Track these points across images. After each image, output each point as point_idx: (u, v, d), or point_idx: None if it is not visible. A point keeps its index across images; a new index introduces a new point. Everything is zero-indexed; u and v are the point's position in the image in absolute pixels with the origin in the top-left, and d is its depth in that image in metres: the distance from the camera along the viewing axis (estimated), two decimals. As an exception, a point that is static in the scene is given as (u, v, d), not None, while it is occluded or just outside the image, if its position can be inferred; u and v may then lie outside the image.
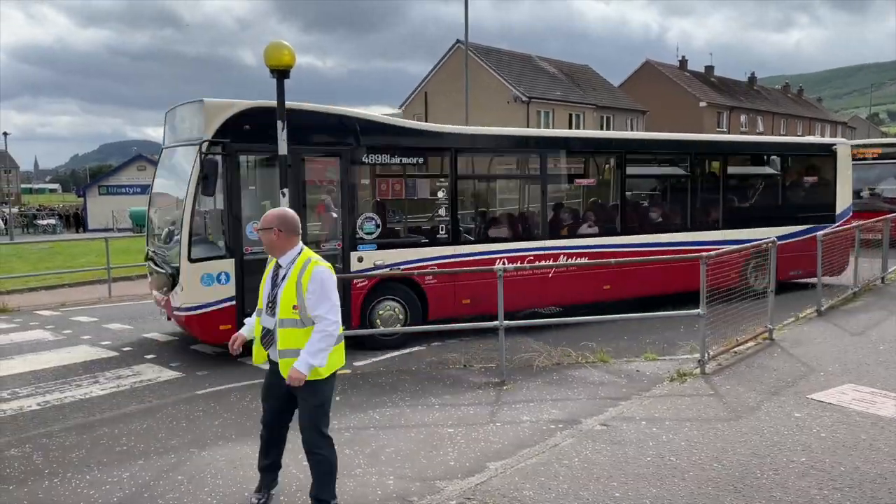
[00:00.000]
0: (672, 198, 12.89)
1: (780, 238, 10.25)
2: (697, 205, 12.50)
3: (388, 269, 9.42)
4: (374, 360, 8.89)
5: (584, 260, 10.91)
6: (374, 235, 9.40)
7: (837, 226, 13.20)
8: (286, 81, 7.60)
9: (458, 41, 41.02)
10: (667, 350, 8.71)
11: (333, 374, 4.45)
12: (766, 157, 13.63)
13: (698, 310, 7.63)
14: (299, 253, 4.35)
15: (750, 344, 8.48)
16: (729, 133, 53.38)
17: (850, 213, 13.90)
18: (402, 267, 9.54)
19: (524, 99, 40.65)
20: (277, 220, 4.32)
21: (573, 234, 11.26)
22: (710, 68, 63.10)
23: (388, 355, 9.06)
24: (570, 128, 43.03)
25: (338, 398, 7.04)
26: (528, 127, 39.52)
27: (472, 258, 10.18)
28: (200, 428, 6.21)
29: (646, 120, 50.29)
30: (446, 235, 10.01)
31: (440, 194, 10.01)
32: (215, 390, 7.47)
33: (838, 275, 12.49)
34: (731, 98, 59.67)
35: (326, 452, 4.47)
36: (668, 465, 5.12)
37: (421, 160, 10.02)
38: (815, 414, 6.12)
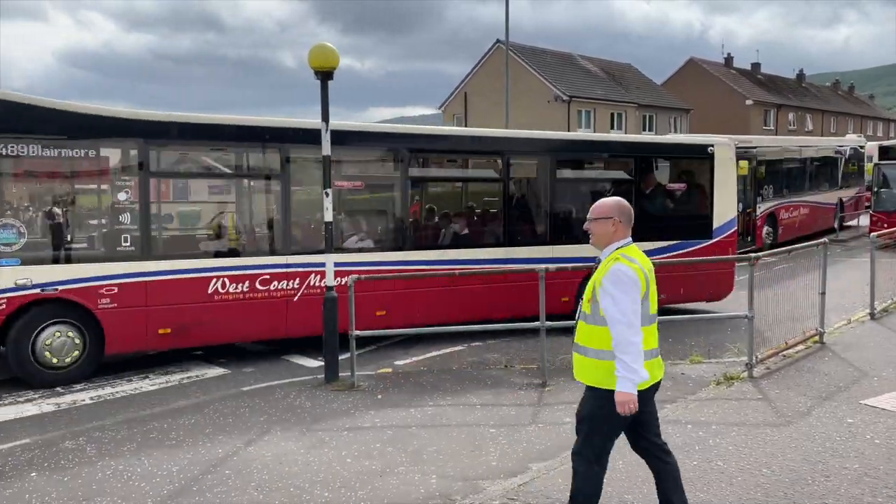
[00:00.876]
0: (487, 206, 10.92)
1: None
2: (515, 216, 10.56)
3: (41, 290, 7.58)
4: (416, 359, 8.93)
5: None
6: (14, 247, 7.53)
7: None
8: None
9: (498, 41, 40.93)
10: (712, 353, 8.54)
11: (610, 391, 3.76)
12: (613, 159, 11.57)
13: (745, 312, 7.48)
14: (619, 247, 3.85)
15: (799, 347, 8.27)
16: (776, 132, 52.20)
17: (734, 228, 11.80)
18: (66, 288, 7.68)
19: (565, 98, 40.34)
20: (617, 210, 3.90)
21: (333, 249, 8.18)
22: (756, 65, 61.72)
23: (429, 354, 9.09)
24: (612, 128, 42.60)
25: (380, 396, 7.11)
26: (568, 128, 39.24)
27: (176, 277, 8.20)
28: (246, 424, 6.32)
29: (690, 119, 49.45)
30: (133, 248, 8.03)
31: (121, 196, 8.08)
32: (260, 387, 7.60)
33: (720, 299, 11.21)
34: (779, 96, 58.25)
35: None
36: (714, 469, 5.03)
37: (93, 152, 7.92)
38: (868, 420, 5.94)
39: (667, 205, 11.58)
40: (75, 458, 5.58)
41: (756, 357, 7.48)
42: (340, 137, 8.49)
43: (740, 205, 15.49)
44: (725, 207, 11.60)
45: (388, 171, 10.22)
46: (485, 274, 9.47)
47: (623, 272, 3.68)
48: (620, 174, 11.46)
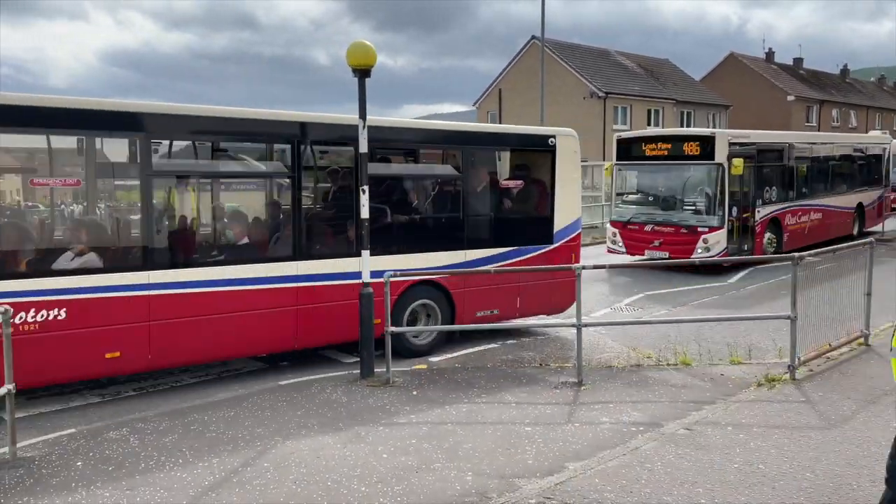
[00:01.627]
0: (271, 213, 8.63)
1: (456, 265, 8.84)
2: (288, 222, 8.13)
3: None
4: (450, 356, 8.94)
5: (59, 313, 6.57)
6: None
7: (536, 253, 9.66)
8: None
9: (533, 37, 40.71)
10: (753, 354, 8.39)
11: None
12: (434, 150, 9.82)
13: (788, 312, 7.32)
14: None
15: (843, 349, 8.07)
16: (819, 129, 50.98)
17: (579, 230, 10.35)
18: None
19: (601, 94, 39.95)
20: None
21: (38, 270, 6.67)
22: (798, 60, 60.31)
23: (464, 351, 9.09)
24: (649, 124, 42.05)
25: (415, 393, 7.14)
26: (604, 124, 38.87)
27: None
28: (284, 417, 6.40)
29: (729, 115, 48.58)
30: None
31: None
32: (297, 381, 7.69)
33: (562, 311, 9.74)
34: (822, 91, 56.84)
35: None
36: (756, 472, 4.94)
37: None
38: (917, 425, 5.77)
39: (500, 205, 9.86)
40: (119, 448, 5.71)
41: (799, 359, 7.32)
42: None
43: (734, 209, 14.78)
44: (569, 207, 10.12)
45: (109, 161, 7.53)
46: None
47: None
48: (445, 170, 9.65)
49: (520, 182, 10.16)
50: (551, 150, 9.93)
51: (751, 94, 51.39)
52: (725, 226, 14.45)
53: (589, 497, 4.64)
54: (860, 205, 20.25)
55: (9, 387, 5.50)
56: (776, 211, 16.39)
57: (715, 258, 13.93)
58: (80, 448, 5.72)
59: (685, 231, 14.83)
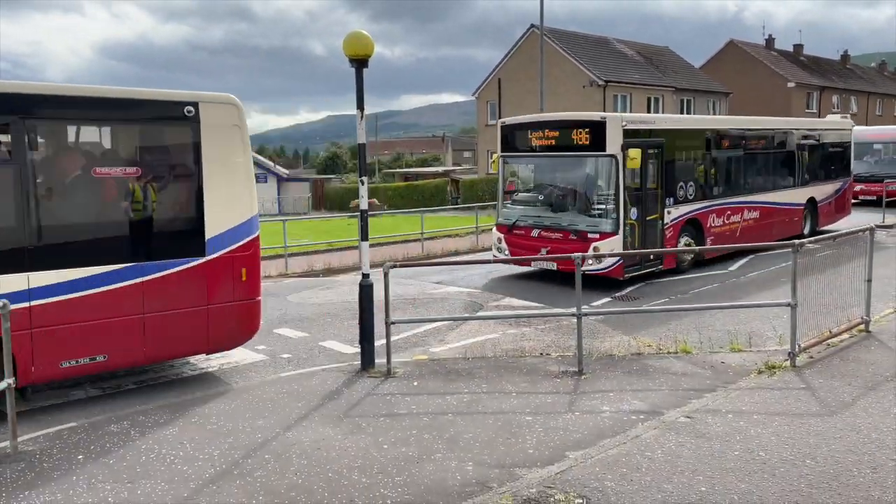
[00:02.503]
0: None
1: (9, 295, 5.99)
2: None
3: None
4: (451, 346, 8.94)
5: None
6: None
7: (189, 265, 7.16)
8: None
9: (532, 25, 40.47)
10: (753, 341, 8.38)
11: None
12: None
13: (788, 300, 7.31)
14: None
15: (844, 336, 8.06)
16: (820, 115, 50.79)
17: (254, 235, 7.62)
18: None
19: (600, 83, 39.79)
20: None
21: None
22: (798, 47, 60.02)
23: (464, 342, 9.09)
24: (649, 113, 41.93)
25: (416, 383, 7.14)
26: (605, 112, 38.74)
27: None
28: (285, 409, 6.41)
29: (730, 102, 48.41)
30: None
31: None
32: (297, 373, 7.69)
33: (240, 344, 7.98)
34: (822, 78, 56.61)
35: None
36: (757, 460, 4.94)
37: None
38: (917, 411, 5.77)
39: (103, 204, 7.15)
40: (120, 441, 5.72)
41: (799, 346, 7.32)
42: None
43: (634, 210, 12.09)
44: (233, 204, 7.49)
45: None
46: None
47: None
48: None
49: (135, 169, 7.18)
50: (192, 123, 7.28)
51: (751, 81, 51.21)
52: (622, 231, 11.79)
53: (590, 485, 4.65)
54: (812, 200, 17.32)
55: (9, 381, 5.50)
56: (695, 211, 13.61)
57: (609, 271, 11.84)
58: (82, 441, 5.73)
59: (574, 237, 12.10)
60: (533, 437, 5.62)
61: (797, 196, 16.87)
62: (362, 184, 7.69)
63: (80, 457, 5.42)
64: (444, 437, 5.65)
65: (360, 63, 7.55)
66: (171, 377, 7.79)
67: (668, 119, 15.00)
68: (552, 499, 4.47)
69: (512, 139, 13.63)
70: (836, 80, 58.12)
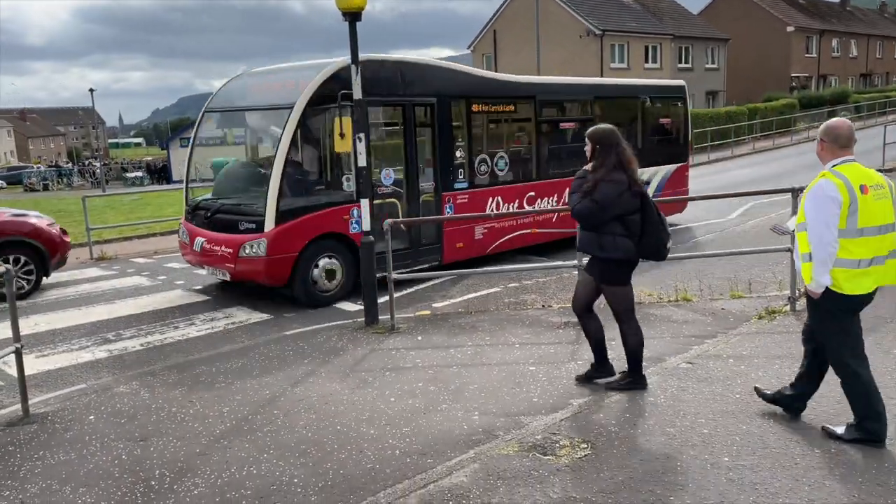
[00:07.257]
0: None
1: None
2: None
3: None
4: (453, 301, 8.99)
5: None
6: None
7: None
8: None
9: (527, -25, 39.64)
10: (754, 288, 8.43)
11: (837, 297, 4.24)
12: None
13: (787, 245, 7.32)
14: (834, 165, 4.19)
15: (844, 280, 8.09)
16: (819, 60, 50.11)
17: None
18: None
19: (597, 32, 39.15)
20: (823, 132, 4.28)
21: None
22: (798, -11, 58.92)
23: (467, 296, 9.14)
24: (647, 62, 41.36)
25: (420, 338, 7.21)
26: (601, 63, 38.16)
27: None
28: (291, 366, 6.48)
29: (728, 48, 47.69)
30: None
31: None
32: (303, 331, 7.75)
33: None
34: (822, 21, 55.69)
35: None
36: (758, 402, 5.02)
37: None
38: (916, 351, 5.84)
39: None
40: (130, 401, 5.80)
41: (799, 290, 7.36)
42: None
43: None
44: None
45: None
46: None
47: (819, 187, 4.13)
48: None
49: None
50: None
51: (750, 27, 50.39)
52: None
53: (594, 430, 4.73)
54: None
55: (17, 345, 5.55)
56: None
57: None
58: (92, 403, 5.81)
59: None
60: (537, 386, 5.70)
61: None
62: (360, 140, 7.62)
63: (91, 417, 5.50)
64: (449, 388, 5.73)
65: (353, 16, 7.41)
66: (176, 338, 7.86)
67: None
68: (557, 444, 4.56)
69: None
70: (836, 23, 57.21)
